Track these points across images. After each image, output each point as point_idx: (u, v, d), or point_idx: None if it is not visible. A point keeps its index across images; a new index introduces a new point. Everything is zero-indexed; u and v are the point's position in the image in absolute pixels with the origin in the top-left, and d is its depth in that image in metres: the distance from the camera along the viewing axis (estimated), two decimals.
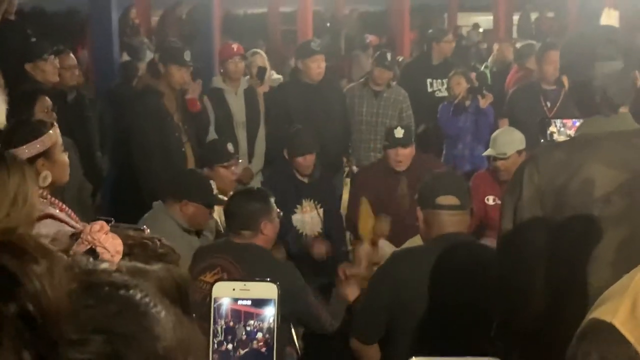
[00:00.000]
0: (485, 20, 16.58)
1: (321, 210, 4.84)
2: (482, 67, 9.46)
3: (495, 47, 9.64)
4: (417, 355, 1.11)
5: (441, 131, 6.26)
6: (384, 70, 6.01)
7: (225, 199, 4.05)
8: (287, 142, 4.85)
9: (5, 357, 0.49)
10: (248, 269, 3.20)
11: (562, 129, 3.57)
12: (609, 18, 6.26)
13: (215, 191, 3.90)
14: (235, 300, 1.19)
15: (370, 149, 5.93)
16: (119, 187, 6.44)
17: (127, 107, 5.46)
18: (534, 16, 17.58)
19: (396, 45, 11.97)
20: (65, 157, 2.81)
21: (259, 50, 6.80)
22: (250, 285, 1.20)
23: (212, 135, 5.35)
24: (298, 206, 4.80)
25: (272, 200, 3.56)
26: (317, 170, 4.84)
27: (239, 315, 1.18)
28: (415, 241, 3.46)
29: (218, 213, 4.22)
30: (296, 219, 4.79)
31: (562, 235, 2.19)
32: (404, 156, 4.70)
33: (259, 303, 1.19)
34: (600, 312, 1.17)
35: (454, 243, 2.93)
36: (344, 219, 5.00)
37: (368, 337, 3.05)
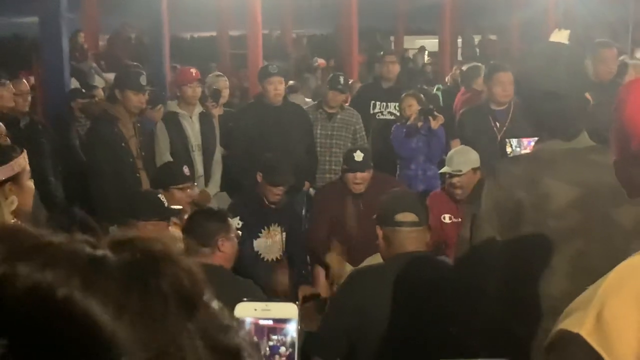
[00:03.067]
0: (430, 43, 16.88)
1: (284, 234, 4.87)
2: (435, 90, 9.62)
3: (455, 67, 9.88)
4: None
5: (394, 152, 6.34)
6: (338, 93, 6.10)
7: (180, 207, 4.05)
8: (263, 168, 4.84)
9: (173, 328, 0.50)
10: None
11: (518, 149, 3.68)
12: (560, 37, 6.41)
13: (166, 203, 3.89)
14: (257, 319, 1.22)
15: (325, 171, 5.98)
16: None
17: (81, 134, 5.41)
18: (477, 39, 17.96)
19: (344, 68, 12.10)
20: (31, 184, 2.81)
21: (221, 73, 6.84)
22: (272, 305, 1.23)
23: (168, 159, 5.35)
24: (262, 231, 4.82)
25: (231, 220, 3.58)
26: (285, 196, 4.87)
27: (262, 331, 1.21)
28: (375, 259, 3.52)
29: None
30: (259, 243, 4.80)
31: (520, 248, 2.26)
32: (362, 179, 4.76)
33: (281, 321, 1.22)
34: (567, 323, 1.20)
35: (413, 260, 2.99)
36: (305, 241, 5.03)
37: (329, 355, 3.09)
